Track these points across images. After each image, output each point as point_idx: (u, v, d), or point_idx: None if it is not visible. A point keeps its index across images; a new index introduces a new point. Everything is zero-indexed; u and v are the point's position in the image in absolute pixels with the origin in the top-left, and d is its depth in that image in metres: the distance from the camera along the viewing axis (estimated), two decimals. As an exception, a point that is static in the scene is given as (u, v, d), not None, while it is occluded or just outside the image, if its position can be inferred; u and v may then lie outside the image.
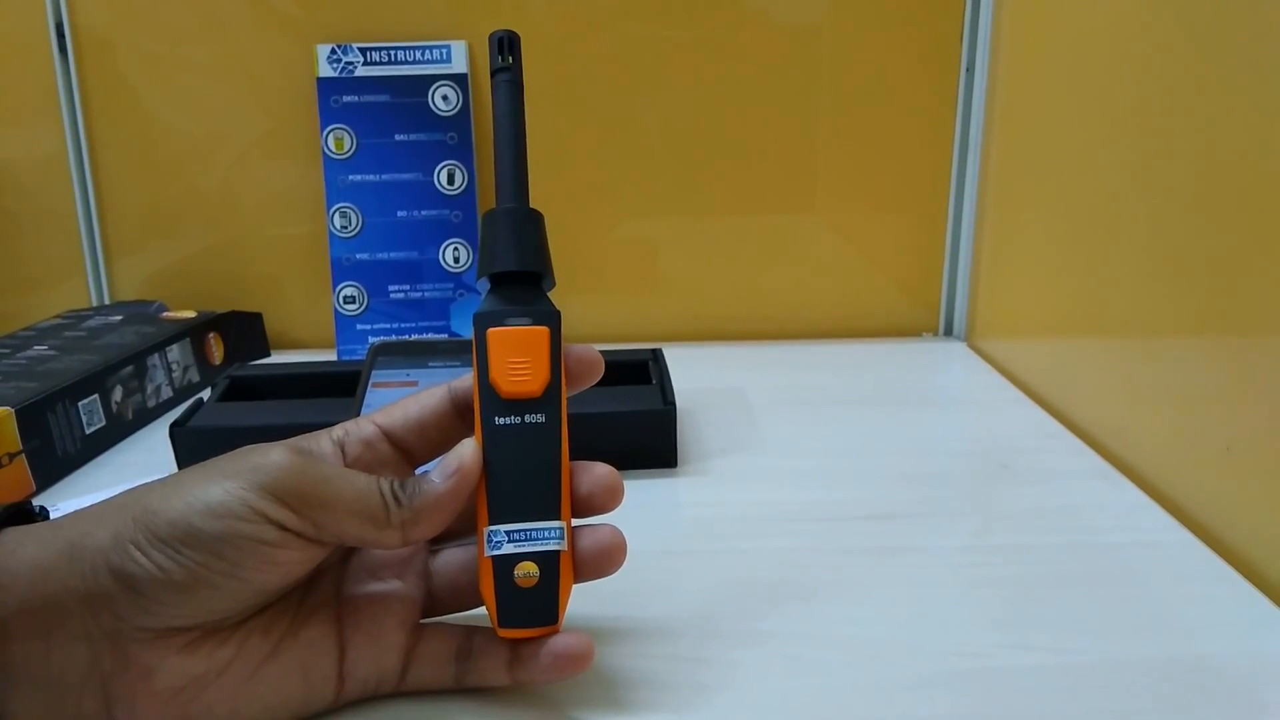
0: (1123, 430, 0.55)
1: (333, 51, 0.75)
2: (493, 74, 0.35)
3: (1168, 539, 0.45)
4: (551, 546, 0.32)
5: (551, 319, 0.34)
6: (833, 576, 0.42)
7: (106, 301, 0.81)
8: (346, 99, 0.75)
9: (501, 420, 0.33)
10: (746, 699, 0.34)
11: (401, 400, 0.35)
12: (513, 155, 0.35)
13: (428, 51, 0.75)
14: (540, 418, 0.33)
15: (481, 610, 0.33)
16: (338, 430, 0.34)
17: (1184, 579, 0.42)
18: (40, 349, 0.63)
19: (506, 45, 0.35)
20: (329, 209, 0.76)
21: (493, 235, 0.35)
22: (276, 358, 0.79)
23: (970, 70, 0.75)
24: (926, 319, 0.82)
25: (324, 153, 0.76)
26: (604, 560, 0.33)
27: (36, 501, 0.50)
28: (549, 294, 0.35)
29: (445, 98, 0.76)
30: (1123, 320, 0.55)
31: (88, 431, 0.57)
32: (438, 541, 0.36)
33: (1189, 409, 0.48)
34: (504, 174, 0.35)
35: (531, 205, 0.35)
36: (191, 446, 0.53)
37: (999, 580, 0.41)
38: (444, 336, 0.78)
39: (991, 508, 0.48)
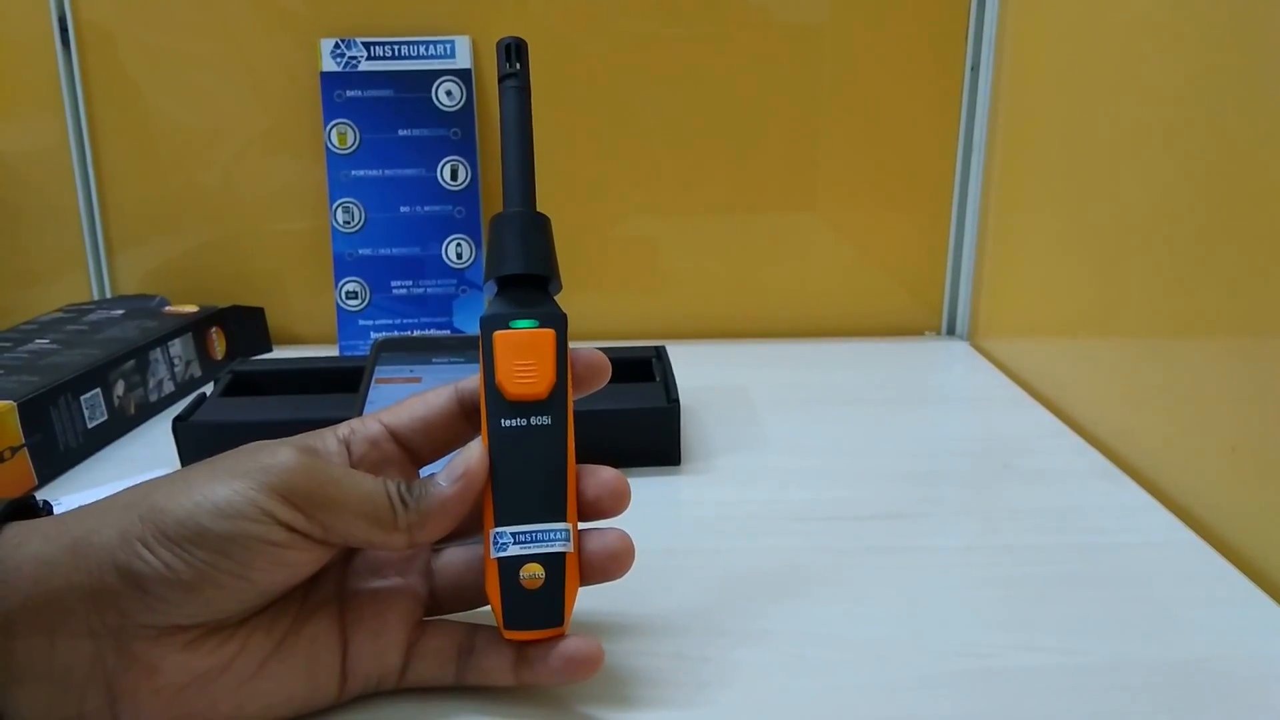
0: (1126, 430, 0.55)
1: (336, 46, 0.75)
2: (501, 80, 0.36)
3: (1171, 539, 0.45)
4: (557, 548, 0.32)
5: (558, 321, 0.34)
6: (835, 575, 0.42)
7: (108, 295, 0.81)
8: (350, 93, 0.75)
9: (507, 422, 0.33)
10: (748, 698, 0.34)
11: (408, 399, 0.35)
12: (520, 159, 0.35)
13: (432, 46, 0.75)
14: (546, 420, 0.33)
15: (484, 608, 0.33)
16: (343, 428, 0.34)
17: (1187, 580, 0.42)
18: (42, 343, 0.63)
19: (514, 52, 0.35)
20: (332, 204, 0.76)
21: (500, 239, 0.35)
22: (279, 353, 0.79)
23: (975, 68, 0.75)
24: (929, 318, 0.81)
25: (327, 147, 0.76)
26: (611, 564, 0.33)
27: (39, 496, 0.50)
28: (556, 297, 0.35)
29: (449, 93, 0.75)
30: (1127, 320, 0.55)
31: (90, 426, 0.57)
32: (442, 541, 0.36)
33: (1193, 409, 0.48)
34: (511, 178, 0.35)
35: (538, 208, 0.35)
36: (194, 441, 0.53)
37: (1002, 580, 0.41)
38: (446, 333, 0.77)
39: (994, 507, 0.48)
